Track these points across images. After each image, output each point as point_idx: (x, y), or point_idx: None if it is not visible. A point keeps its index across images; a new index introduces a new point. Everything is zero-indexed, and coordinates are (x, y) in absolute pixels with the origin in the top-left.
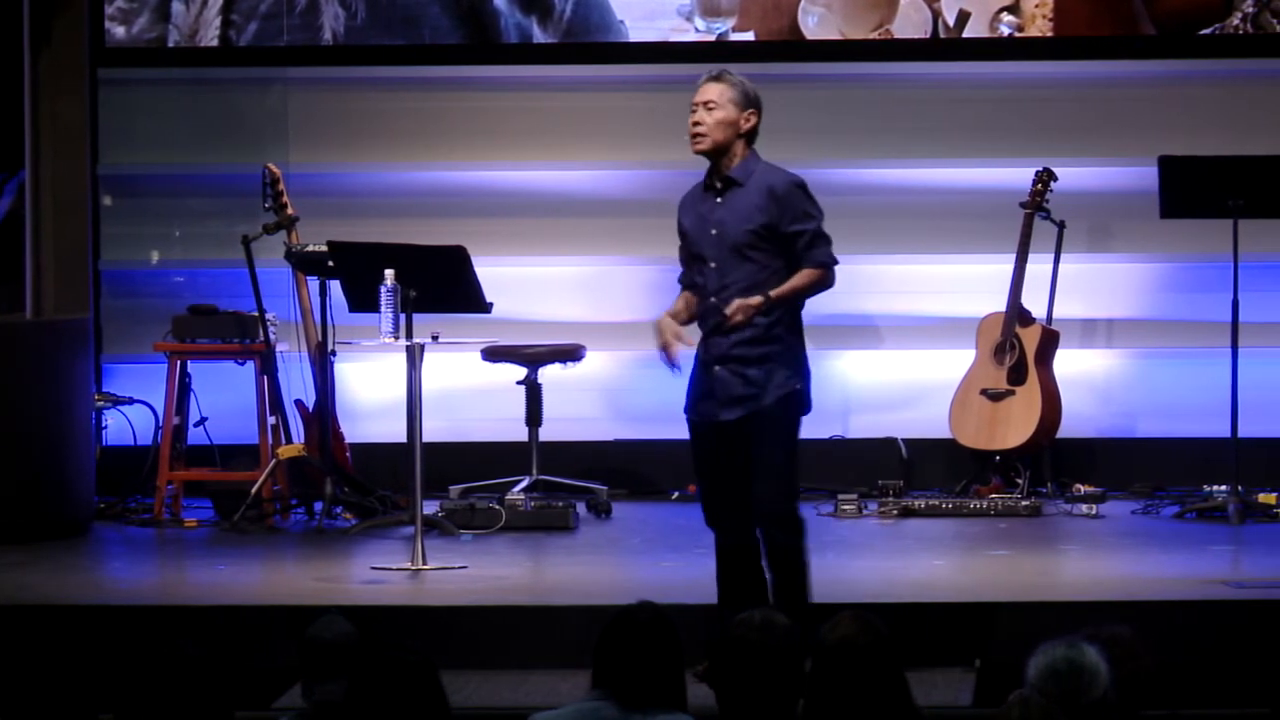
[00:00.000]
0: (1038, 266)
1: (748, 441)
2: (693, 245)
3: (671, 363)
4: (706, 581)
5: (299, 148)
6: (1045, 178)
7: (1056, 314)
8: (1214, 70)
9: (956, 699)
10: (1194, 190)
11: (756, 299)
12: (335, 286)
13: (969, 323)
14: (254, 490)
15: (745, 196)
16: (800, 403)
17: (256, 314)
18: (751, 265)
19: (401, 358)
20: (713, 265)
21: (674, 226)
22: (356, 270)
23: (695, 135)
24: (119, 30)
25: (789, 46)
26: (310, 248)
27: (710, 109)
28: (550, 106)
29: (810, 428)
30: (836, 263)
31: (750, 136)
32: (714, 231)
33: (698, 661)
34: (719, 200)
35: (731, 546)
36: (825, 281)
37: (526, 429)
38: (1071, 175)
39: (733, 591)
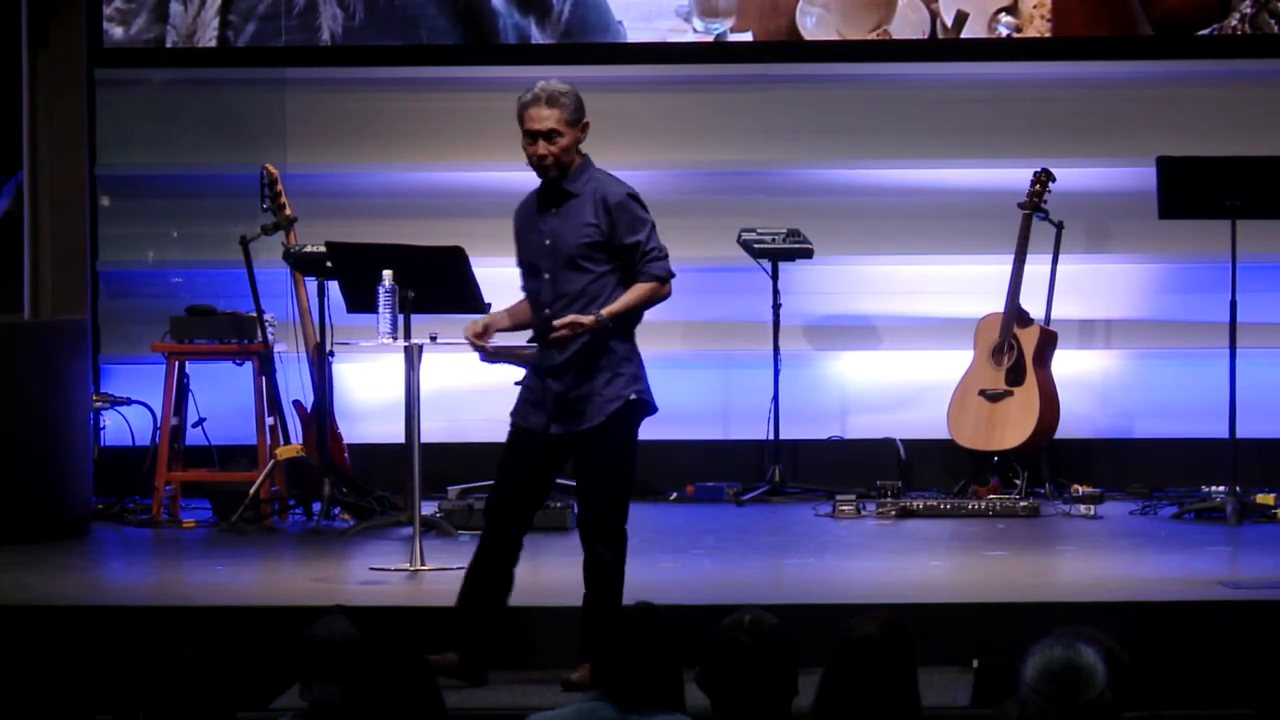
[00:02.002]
0: (1036, 267)
1: (574, 456)
2: (527, 256)
3: (481, 351)
4: (704, 582)
5: (297, 148)
6: (1043, 178)
7: (1055, 314)
8: (1212, 71)
9: (954, 699)
10: (1192, 191)
11: (590, 318)
12: (333, 287)
13: (967, 323)
14: (252, 491)
15: (579, 207)
16: (638, 410)
17: (255, 315)
18: (585, 275)
19: (400, 358)
20: (546, 276)
21: (672, 226)
22: (354, 271)
23: (542, 167)
24: (117, 31)
25: (787, 47)
26: (308, 248)
27: (552, 139)
28: None
29: (809, 428)
30: (673, 275)
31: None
32: (547, 242)
33: (695, 662)
34: (554, 211)
35: (502, 542)
36: (660, 295)
37: None
38: (1070, 176)
39: (484, 586)
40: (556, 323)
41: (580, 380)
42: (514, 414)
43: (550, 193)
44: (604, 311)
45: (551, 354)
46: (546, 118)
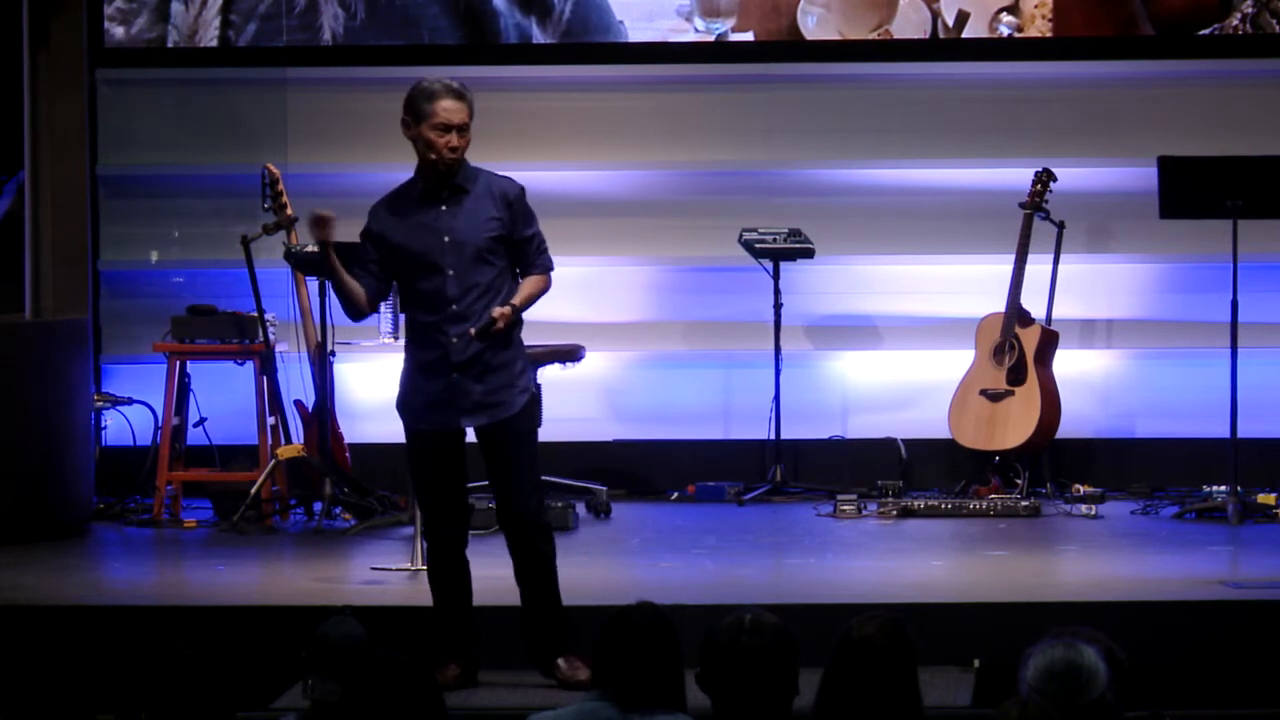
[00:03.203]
0: (1037, 267)
1: (490, 450)
2: (415, 256)
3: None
4: (705, 582)
5: (298, 148)
6: (1044, 178)
7: (1056, 314)
8: (1213, 70)
9: (955, 699)
10: (1193, 190)
11: (507, 308)
12: None
13: (968, 323)
14: (253, 491)
15: (476, 202)
16: (538, 404)
17: (256, 314)
18: (491, 269)
19: (400, 358)
20: (451, 273)
21: (672, 226)
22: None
23: (451, 160)
24: (118, 30)
25: (788, 47)
26: (309, 248)
27: (463, 132)
28: (549, 107)
29: (810, 427)
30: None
31: None
32: (446, 239)
33: (696, 662)
34: (444, 208)
35: (454, 548)
36: (549, 286)
37: None
38: (1071, 175)
39: (455, 590)
40: (494, 313)
41: (490, 373)
42: (415, 420)
43: (436, 189)
44: (514, 302)
45: (459, 348)
46: (460, 110)
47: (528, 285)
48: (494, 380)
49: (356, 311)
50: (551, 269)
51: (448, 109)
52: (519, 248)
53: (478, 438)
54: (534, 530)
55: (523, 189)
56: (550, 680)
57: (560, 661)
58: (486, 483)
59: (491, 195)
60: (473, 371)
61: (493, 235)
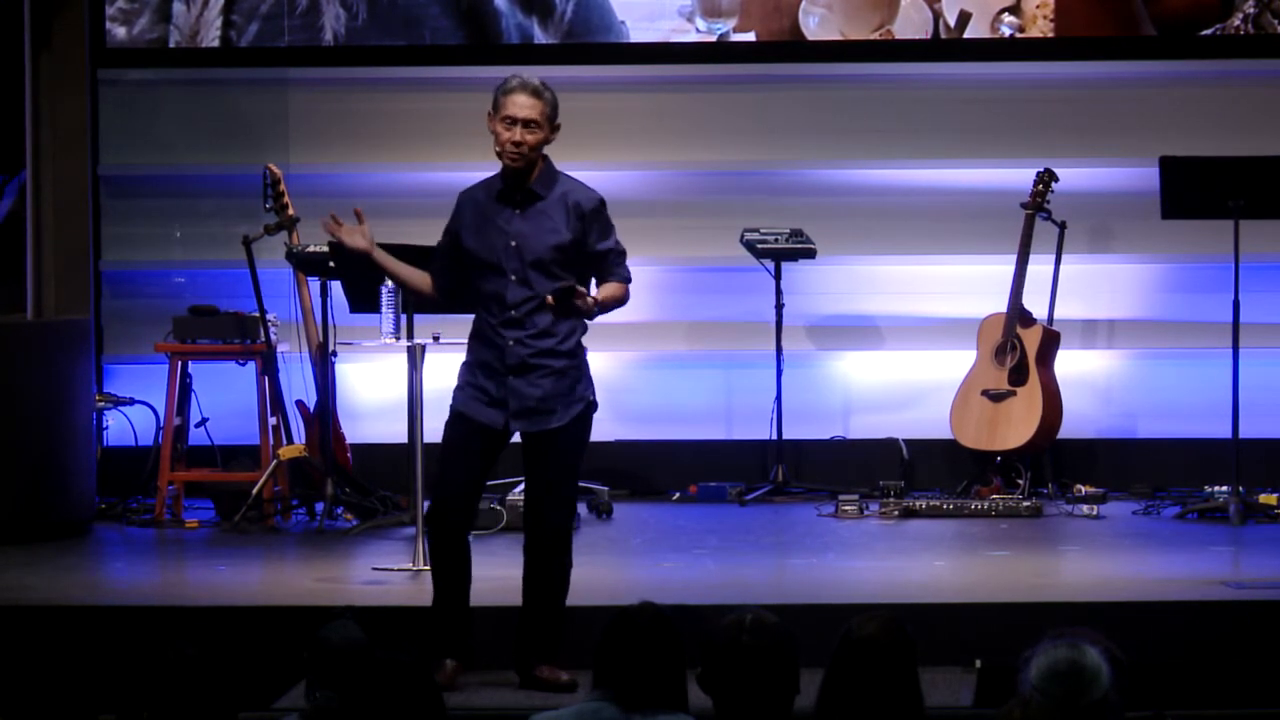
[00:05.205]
0: (1039, 267)
1: (531, 456)
2: (480, 255)
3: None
4: (707, 582)
5: (300, 148)
6: (1046, 178)
7: (1057, 314)
8: (1214, 71)
9: (957, 699)
10: (1195, 191)
11: (590, 299)
12: (336, 287)
13: (970, 323)
14: (255, 491)
15: (548, 211)
16: (592, 412)
17: (257, 314)
18: (553, 281)
19: (402, 358)
20: (513, 278)
21: (673, 227)
22: (357, 271)
23: (516, 155)
24: (120, 31)
25: (790, 47)
26: (311, 248)
27: (531, 129)
28: None
29: (812, 428)
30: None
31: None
32: (513, 244)
33: (698, 662)
34: (517, 211)
35: (457, 537)
36: (627, 297)
37: None
38: (1072, 176)
39: (456, 579)
40: (579, 289)
41: (545, 379)
42: (459, 405)
43: (512, 190)
44: (597, 296)
45: (515, 351)
46: (530, 106)
47: (608, 287)
48: (549, 387)
49: (422, 300)
50: (630, 280)
51: (516, 103)
52: (595, 260)
53: (522, 439)
54: (557, 546)
55: (602, 201)
56: (531, 684)
57: (543, 666)
58: (493, 483)
59: (566, 205)
60: (528, 376)
61: (559, 245)
